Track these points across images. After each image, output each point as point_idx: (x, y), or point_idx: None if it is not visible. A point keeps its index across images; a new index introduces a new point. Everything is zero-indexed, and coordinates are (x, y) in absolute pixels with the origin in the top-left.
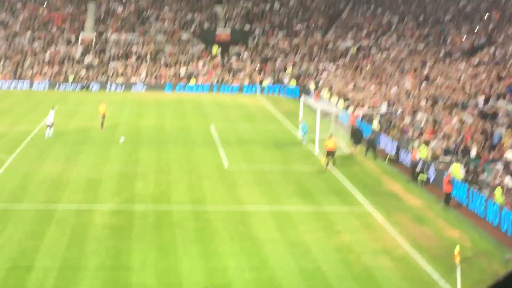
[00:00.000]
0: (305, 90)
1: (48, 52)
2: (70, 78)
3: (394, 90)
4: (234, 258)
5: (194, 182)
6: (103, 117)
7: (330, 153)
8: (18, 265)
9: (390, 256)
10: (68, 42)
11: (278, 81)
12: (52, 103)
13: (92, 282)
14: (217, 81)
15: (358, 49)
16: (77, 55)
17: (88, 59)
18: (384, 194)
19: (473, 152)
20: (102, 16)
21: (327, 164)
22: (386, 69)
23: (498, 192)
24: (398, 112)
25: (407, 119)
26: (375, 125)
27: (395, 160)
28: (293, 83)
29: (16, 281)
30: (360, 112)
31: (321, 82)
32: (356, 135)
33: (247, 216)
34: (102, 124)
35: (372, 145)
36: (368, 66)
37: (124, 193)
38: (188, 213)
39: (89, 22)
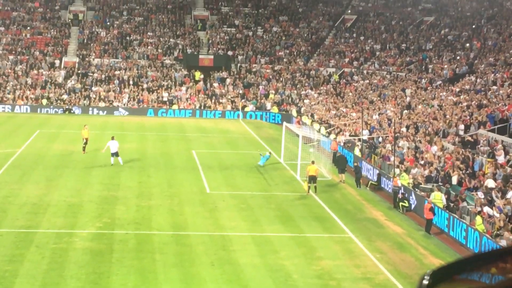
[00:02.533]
0: (287, 116)
1: (30, 76)
2: (44, 102)
3: (375, 117)
4: (214, 283)
5: (176, 207)
6: (86, 141)
7: (312, 179)
8: None
9: (370, 282)
10: (51, 66)
11: (260, 107)
12: (33, 126)
13: None
14: (200, 106)
15: (340, 76)
16: (60, 79)
17: (70, 83)
18: (365, 221)
19: (454, 180)
20: (85, 40)
21: (309, 190)
22: (368, 96)
23: (478, 220)
24: (380, 139)
25: (389, 146)
26: (357, 152)
27: (376, 187)
28: (275, 109)
29: None
30: (341, 138)
31: (303, 109)
32: (340, 163)
33: (228, 241)
34: (84, 148)
35: (358, 172)
36: (350, 93)
37: (104, 217)
38: (169, 237)
39: (72, 46)
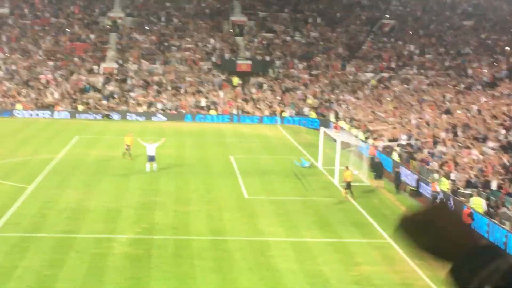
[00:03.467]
0: (325, 121)
1: (70, 82)
2: (80, 108)
3: (414, 122)
4: None
5: (214, 212)
6: (128, 148)
7: (349, 185)
8: None
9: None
10: (90, 71)
11: (298, 112)
12: (73, 132)
13: None
14: (237, 111)
15: (379, 81)
16: (99, 85)
17: (109, 88)
18: None
19: (494, 185)
20: (124, 45)
21: (347, 196)
22: (406, 101)
23: None
24: (418, 144)
25: (427, 151)
26: (395, 157)
27: (415, 192)
28: (313, 114)
29: None
30: (380, 143)
31: (341, 114)
32: (377, 169)
33: (266, 246)
34: (128, 155)
35: (398, 178)
36: (388, 98)
37: (143, 222)
38: (208, 243)
39: (111, 52)
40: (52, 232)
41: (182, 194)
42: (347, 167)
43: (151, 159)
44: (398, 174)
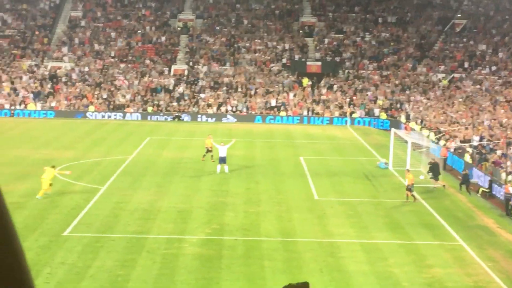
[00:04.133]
0: (395, 123)
1: (141, 83)
2: (149, 109)
3: (486, 122)
4: None
5: (284, 213)
6: (208, 150)
7: (411, 188)
8: None
9: None
10: (161, 73)
11: (368, 113)
12: (144, 134)
13: None
14: (307, 113)
15: (450, 81)
16: (170, 87)
17: (179, 90)
18: (477, 228)
19: None
20: (194, 47)
21: (408, 198)
22: (479, 102)
23: None
24: (491, 145)
25: (501, 152)
26: (467, 158)
27: (488, 194)
28: (383, 115)
29: None
30: (452, 145)
31: (411, 114)
32: (434, 170)
33: (336, 248)
34: (209, 156)
35: (466, 179)
36: (460, 99)
37: (213, 223)
38: (278, 244)
39: (181, 54)
40: (124, 233)
41: (252, 195)
42: (408, 170)
43: (222, 160)
44: (466, 176)
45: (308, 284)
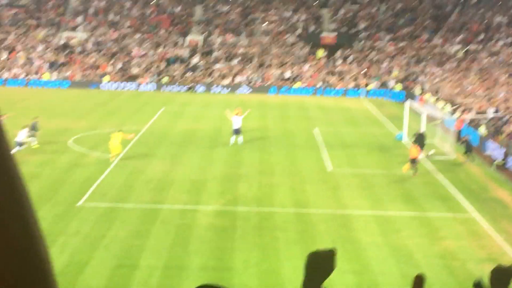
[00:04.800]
0: (410, 94)
1: (155, 54)
2: (165, 80)
3: (501, 95)
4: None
5: (297, 185)
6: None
7: (413, 160)
8: (123, 264)
9: (496, 264)
10: (175, 44)
11: (383, 84)
12: (159, 104)
13: (195, 281)
14: (322, 84)
15: (466, 53)
16: (184, 57)
17: (194, 60)
18: (491, 201)
19: None
20: (209, 18)
21: (416, 170)
22: (495, 74)
23: None
24: (506, 118)
25: None
26: (483, 130)
27: (502, 167)
28: (398, 87)
29: (121, 279)
30: (467, 117)
31: (427, 86)
32: (419, 141)
33: (349, 219)
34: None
35: (468, 147)
36: (476, 70)
37: (227, 194)
38: (291, 215)
39: (196, 24)
40: (138, 203)
41: (265, 166)
42: (413, 143)
43: (237, 131)
44: (467, 143)
45: (334, 251)
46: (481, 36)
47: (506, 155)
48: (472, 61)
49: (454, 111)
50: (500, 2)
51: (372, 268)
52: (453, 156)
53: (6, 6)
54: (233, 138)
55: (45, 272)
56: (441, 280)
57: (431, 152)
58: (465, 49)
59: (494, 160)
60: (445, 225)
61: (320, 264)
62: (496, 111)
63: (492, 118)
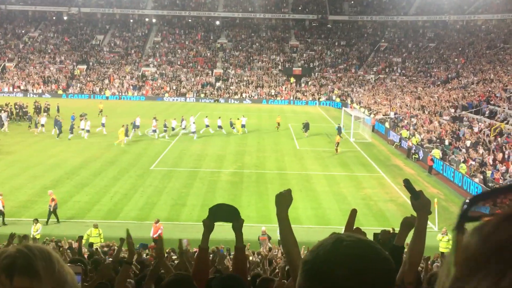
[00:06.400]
0: (345, 104)
1: (195, 80)
2: (201, 95)
3: (398, 104)
4: (301, 202)
5: (279, 157)
6: (279, 125)
7: (337, 144)
8: (177, 203)
9: (395, 202)
10: (207, 74)
11: (329, 98)
12: (198, 111)
13: None
14: (293, 98)
15: (377, 79)
16: (212, 82)
17: (218, 84)
18: (392, 166)
19: (446, 142)
20: (227, 59)
21: (336, 150)
22: (394, 92)
23: (462, 166)
24: (400, 117)
25: (406, 121)
26: (387, 125)
27: (398, 146)
28: (337, 100)
29: (176, 212)
30: (377, 117)
31: (354, 99)
32: (306, 127)
33: (309, 177)
34: (277, 129)
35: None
36: (383, 90)
37: (238, 162)
38: (275, 174)
39: (219, 62)
40: (186, 167)
41: (260, 146)
42: (338, 134)
43: (243, 126)
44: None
45: (290, 190)
46: (386, 70)
47: (400, 139)
48: (381, 84)
49: (370, 114)
50: (397, 50)
51: (323, 205)
52: (369, 140)
53: (108, 52)
54: (240, 130)
55: None
56: (363, 212)
57: (352, 139)
58: (377, 77)
59: (394, 143)
60: (365, 180)
61: (283, 198)
62: (395, 114)
63: (392, 118)
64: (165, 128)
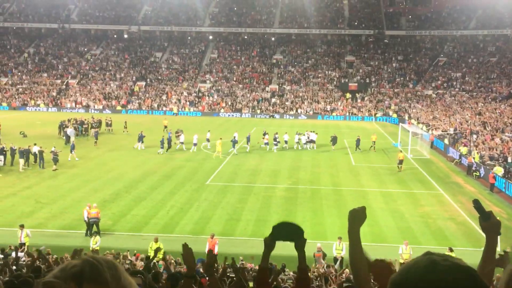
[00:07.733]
0: (402, 119)
1: (251, 96)
2: (257, 111)
3: (457, 120)
4: None
5: (334, 172)
6: (374, 143)
7: (401, 162)
8: (232, 218)
9: (454, 221)
10: (262, 90)
11: (385, 114)
12: (252, 125)
13: None
14: (348, 113)
15: (436, 95)
16: (267, 98)
17: (273, 100)
18: (451, 183)
19: (509, 159)
20: (282, 74)
21: (400, 169)
22: (453, 108)
23: None
24: (460, 134)
25: (467, 138)
26: (446, 141)
27: (458, 163)
28: (394, 115)
29: (230, 227)
30: (435, 133)
31: (412, 115)
32: (334, 141)
33: (365, 193)
34: (373, 148)
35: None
36: (442, 105)
37: (293, 178)
38: (330, 190)
39: (275, 78)
40: (241, 182)
41: (315, 161)
42: (401, 151)
43: (313, 141)
44: (358, 141)
45: (365, 207)
46: (445, 85)
47: (460, 156)
48: (440, 100)
49: (428, 130)
50: (457, 65)
51: (379, 223)
52: (428, 157)
53: (166, 69)
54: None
55: None
56: (421, 230)
57: (410, 156)
58: (435, 93)
59: (454, 160)
60: (423, 197)
61: (356, 215)
62: (454, 130)
63: (451, 134)
64: (275, 142)
